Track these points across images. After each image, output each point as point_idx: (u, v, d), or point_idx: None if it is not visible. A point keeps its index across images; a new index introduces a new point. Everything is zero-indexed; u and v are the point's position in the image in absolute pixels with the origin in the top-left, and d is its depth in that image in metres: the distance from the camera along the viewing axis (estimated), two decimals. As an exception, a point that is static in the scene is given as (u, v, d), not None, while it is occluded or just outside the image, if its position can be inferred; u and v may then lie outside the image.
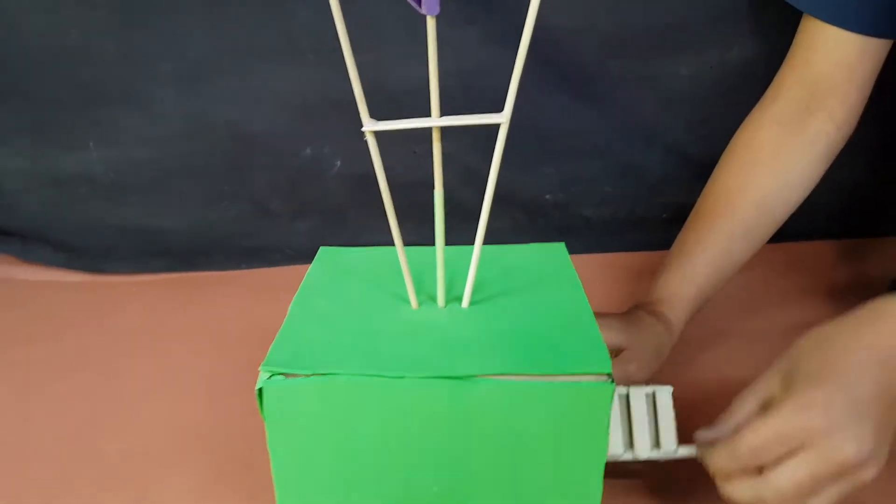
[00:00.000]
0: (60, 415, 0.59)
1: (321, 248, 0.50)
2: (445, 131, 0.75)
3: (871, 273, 0.78)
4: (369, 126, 0.36)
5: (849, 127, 0.57)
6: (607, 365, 0.36)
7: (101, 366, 0.66)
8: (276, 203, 0.79)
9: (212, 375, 0.63)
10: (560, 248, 0.49)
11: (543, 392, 0.36)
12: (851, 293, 0.73)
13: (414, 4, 0.32)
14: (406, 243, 0.74)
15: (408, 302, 0.42)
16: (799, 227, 0.62)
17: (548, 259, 0.48)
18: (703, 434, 0.42)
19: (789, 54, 0.58)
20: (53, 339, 0.71)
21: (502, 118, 0.38)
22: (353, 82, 0.35)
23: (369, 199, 0.81)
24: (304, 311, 0.42)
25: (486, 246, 0.49)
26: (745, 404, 0.41)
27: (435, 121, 0.37)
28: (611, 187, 0.80)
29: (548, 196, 0.80)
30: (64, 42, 0.71)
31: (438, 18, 0.72)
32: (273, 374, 0.36)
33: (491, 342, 0.39)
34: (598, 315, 0.54)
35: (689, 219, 0.60)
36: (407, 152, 0.76)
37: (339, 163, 0.76)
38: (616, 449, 0.45)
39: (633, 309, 0.57)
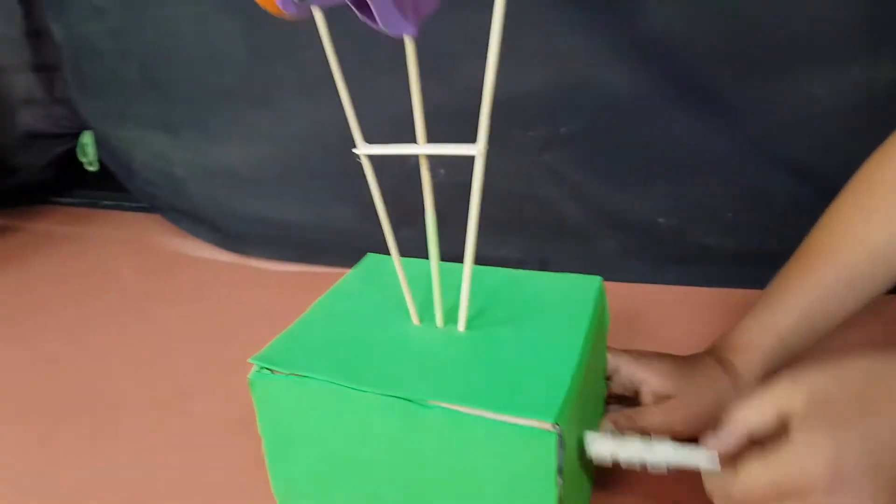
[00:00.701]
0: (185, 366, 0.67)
1: (367, 255, 0.52)
2: (551, 144, 0.74)
3: None
4: (362, 150, 0.39)
5: None
6: (552, 413, 0.34)
7: (233, 335, 0.73)
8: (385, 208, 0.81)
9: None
10: (594, 281, 0.47)
11: (487, 428, 0.36)
12: None
13: (370, 23, 0.32)
14: (509, 259, 0.75)
15: (425, 318, 0.44)
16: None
17: (573, 292, 0.46)
18: (709, 441, 0.37)
19: None
20: (196, 306, 0.80)
21: (475, 150, 0.37)
22: (346, 107, 0.37)
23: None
24: (319, 313, 0.47)
25: (516, 271, 0.49)
26: (763, 410, 0.34)
27: (417, 148, 0.39)
28: (733, 213, 0.71)
29: (661, 220, 0.74)
30: (212, 51, 0.79)
31: (538, 28, 0.70)
32: (261, 368, 0.41)
33: (462, 369, 0.39)
34: (647, 355, 0.49)
35: (790, 259, 0.52)
36: (508, 164, 0.74)
37: (443, 171, 0.77)
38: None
39: (701, 353, 0.51)
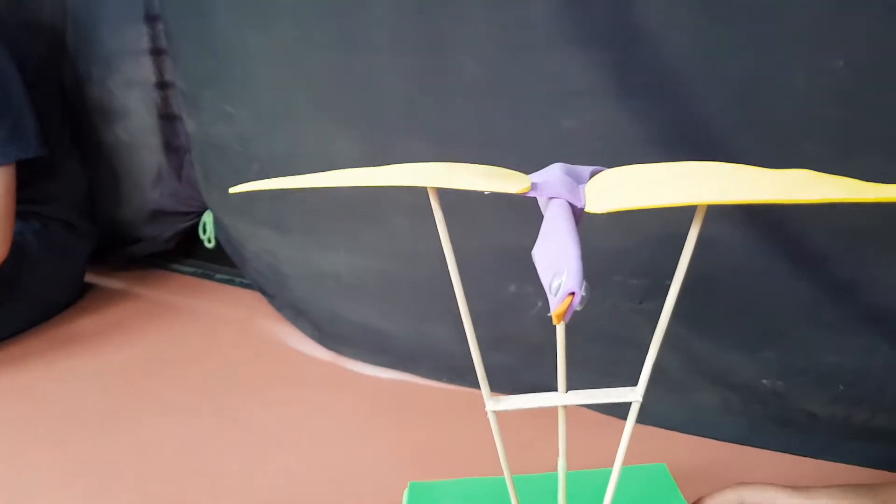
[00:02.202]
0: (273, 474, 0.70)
1: (410, 484, 0.49)
2: (652, 293, 0.72)
3: None
4: (492, 406, 0.35)
5: None
6: None
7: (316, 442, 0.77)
8: (478, 331, 0.82)
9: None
10: (661, 469, 0.46)
11: None
12: None
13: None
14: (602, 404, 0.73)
15: None
16: None
17: (647, 486, 0.45)
18: None
19: None
20: (292, 405, 0.84)
21: (636, 395, 0.35)
22: (476, 360, 0.35)
23: (567, 344, 0.80)
24: None
25: (578, 472, 0.47)
26: None
27: (561, 398, 0.34)
28: (845, 385, 0.67)
29: (764, 381, 0.71)
30: (329, 165, 0.83)
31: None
32: None
33: None
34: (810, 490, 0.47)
35: None
36: (607, 306, 0.74)
37: (539, 303, 0.77)
38: None
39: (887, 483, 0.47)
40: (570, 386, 0.81)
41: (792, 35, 0.60)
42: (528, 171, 0.73)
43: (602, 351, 0.76)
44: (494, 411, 0.35)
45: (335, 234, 0.87)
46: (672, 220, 0.67)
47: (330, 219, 0.86)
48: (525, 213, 0.75)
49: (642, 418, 0.77)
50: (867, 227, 0.61)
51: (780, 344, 0.69)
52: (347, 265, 0.88)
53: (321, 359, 0.94)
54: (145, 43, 1.06)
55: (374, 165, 0.81)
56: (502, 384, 0.82)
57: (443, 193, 0.78)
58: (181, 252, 1.26)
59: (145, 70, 1.08)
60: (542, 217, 0.34)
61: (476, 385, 0.83)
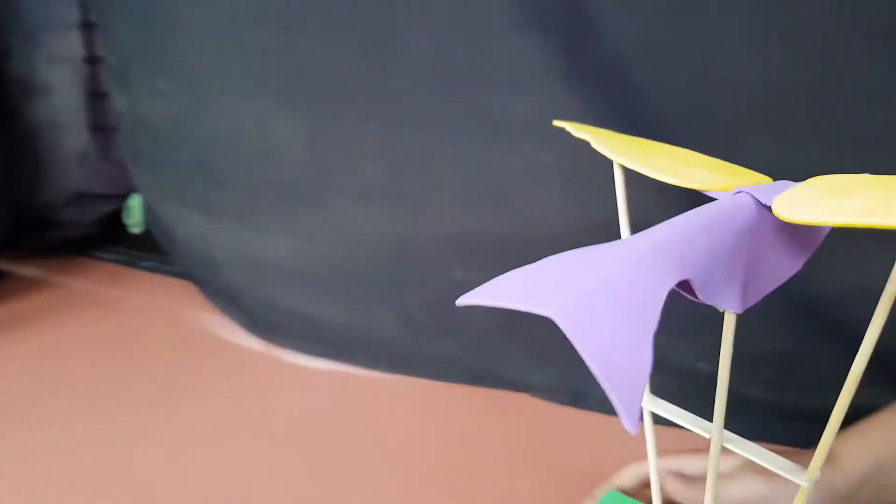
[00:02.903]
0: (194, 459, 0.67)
1: (608, 492, 0.47)
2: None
3: None
4: (649, 405, 0.32)
5: None
6: None
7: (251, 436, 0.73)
8: (422, 318, 0.81)
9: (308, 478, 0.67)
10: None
11: None
12: None
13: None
14: (544, 386, 0.69)
15: None
16: None
17: None
18: None
19: None
20: (221, 397, 0.80)
21: (805, 479, 0.30)
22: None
23: (513, 329, 0.80)
24: None
25: None
26: None
27: (717, 434, 0.31)
28: (777, 368, 0.70)
29: (700, 365, 0.72)
30: (268, 147, 0.81)
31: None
32: None
33: None
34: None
35: None
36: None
37: (485, 291, 0.77)
38: None
39: None
40: (515, 365, 0.81)
41: (742, 29, 0.61)
42: (480, 156, 0.73)
43: (548, 335, 0.75)
44: (651, 410, 0.33)
45: (273, 218, 0.84)
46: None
47: (268, 202, 0.83)
48: (472, 197, 0.74)
49: (585, 404, 0.77)
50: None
51: (717, 330, 0.70)
52: (286, 251, 0.85)
53: (253, 349, 0.91)
54: (74, 15, 1.00)
55: (317, 148, 0.79)
56: (446, 372, 0.81)
57: (393, 179, 0.77)
58: (104, 238, 1.20)
59: (73, 45, 1.02)
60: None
61: (415, 373, 0.83)
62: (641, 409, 0.16)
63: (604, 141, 0.30)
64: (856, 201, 0.20)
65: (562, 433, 0.75)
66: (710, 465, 0.29)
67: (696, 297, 0.22)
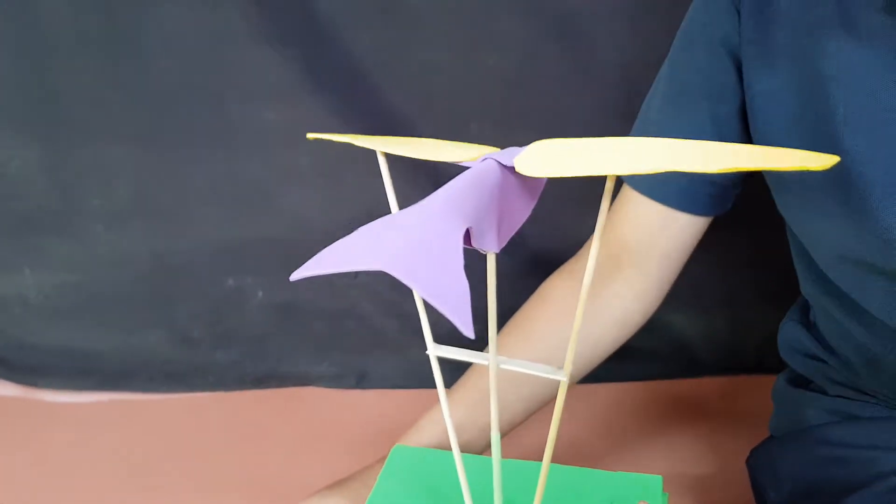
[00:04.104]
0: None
1: (395, 447, 0.46)
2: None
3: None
4: (434, 351, 0.34)
5: (651, 299, 0.55)
6: None
7: (20, 486, 0.68)
8: (199, 331, 0.82)
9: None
10: (655, 482, 0.44)
11: None
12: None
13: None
14: (328, 375, 0.71)
15: None
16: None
17: (636, 494, 0.43)
18: None
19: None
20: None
21: (562, 375, 0.33)
22: (418, 305, 0.34)
23: (291, 327, 0.84)
24: None
25: (569, 468, 0.45)
26: None
27: (493, 358, 0.33)
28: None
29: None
30: (3, 173, 0.76)
31: (356, 163, 0.75)
32: None
33: None
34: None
35: None
36: (325, 283, 0.79)
37: (261, 293, 0.80)
38: None
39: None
40: (298, 361, 0.84)
41: (455, 36, 0.72)
42: (237, 164, 0.76)
43: (325, 326, 0.81)
44: (437, 356, 0.36)
45: (16, 255, 0.79)
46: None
47: (12, 236, 0.78)
48: (234, 205, 0.77)
49: (369, 384, 0.83)
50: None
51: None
52: (36, 286, 0.80)
53: (9, 396, 0.84)
54: None
55: (58, 174, 0.76)
56: (229, 381, 0.82)
57: (148, 196, 0.76)
58: None
59: None
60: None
61: (197, 388, 0.83)
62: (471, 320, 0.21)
63: (362, 141, 0.35)
64: (572, 159, 0.28)
65: (350, 413, 0.80)
66: (491, 388, 0.34)
67: (467, 244, 0.28)
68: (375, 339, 0.82)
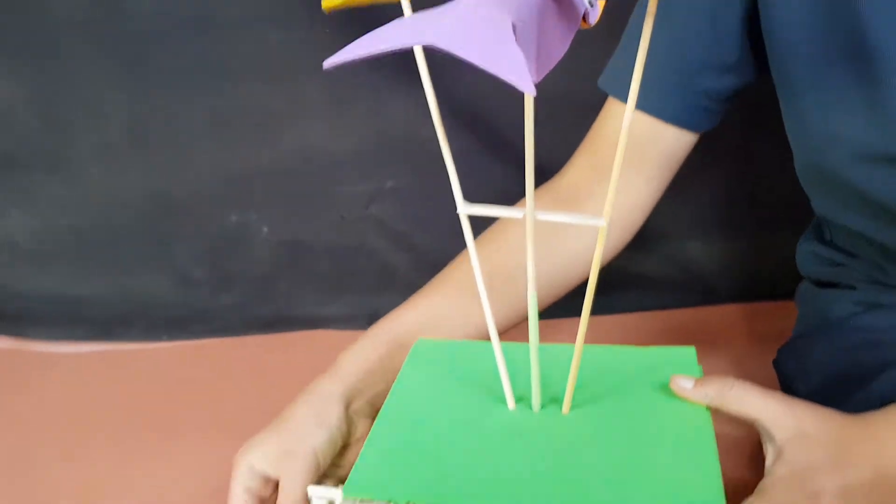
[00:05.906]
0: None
1: (419, 340, 0.45)
2: (376, 197, 0.74)
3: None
4: (464, 209, 0.34)
5: (635, 217, 0.53)
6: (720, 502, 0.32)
7: (15, 433, 0.65)
8: (200, 272, 0.78)
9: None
10: (688, 353, 0.43)
11: None
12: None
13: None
14: (338, 317, 0.68)
15: (503, 402, 0.39)
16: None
17: (670, 365, 0.41)
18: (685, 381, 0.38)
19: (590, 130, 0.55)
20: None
21: (601, 222, 0.33)
22: (448, 163, 0.33)
23: (299, 266, 0.81)
24: (395, 416, 0.40)
25: (601, 346, 0.43)
26: (752, 407, 0.37)
27: (530, 212, 0.33)
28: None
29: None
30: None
31: (364, 89, 0.73)
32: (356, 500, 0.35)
33: (589, 467, 0.35)
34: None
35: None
36: (334, 218, 0.77)
37: (265, 229, 0.77)
38: None
39: None
40: (306, 303, 0.81)
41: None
42: (240, 96, 0.72)
43: (334, 265, 0.78)
44: (468, 215, 0.35)
45: (7, 193, 0.75)
46: (388, 124, 0.73)
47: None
48: (240, 137, 0.74)
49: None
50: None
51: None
52: (26, 229, 0.76)
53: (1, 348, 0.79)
54: None
55: (47, 112, 0.71)
56: (233, 326, 0.79)
57: (144, 132, 0.72)
58: None
59: None
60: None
61: (200, 335, 0.79)
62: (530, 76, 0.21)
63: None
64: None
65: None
66: (528, 241, 0.33)
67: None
68: (387, 277, 0.79)
